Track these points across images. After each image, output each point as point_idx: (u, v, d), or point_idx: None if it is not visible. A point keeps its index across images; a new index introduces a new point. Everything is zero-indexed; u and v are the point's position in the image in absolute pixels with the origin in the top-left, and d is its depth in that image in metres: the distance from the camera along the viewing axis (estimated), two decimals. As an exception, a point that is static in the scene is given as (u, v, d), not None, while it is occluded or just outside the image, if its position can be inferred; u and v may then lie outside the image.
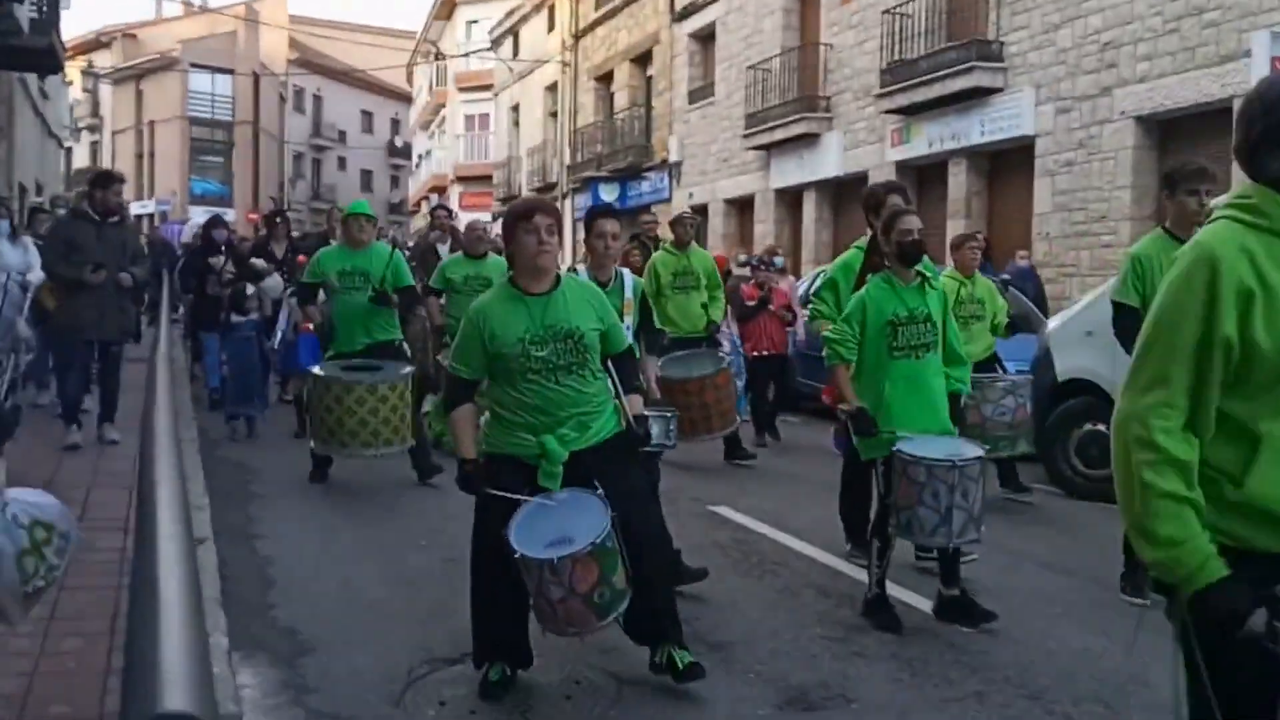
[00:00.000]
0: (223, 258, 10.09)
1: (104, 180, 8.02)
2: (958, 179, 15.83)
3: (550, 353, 3.93)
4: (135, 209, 42.01)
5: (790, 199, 20.65)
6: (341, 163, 64.45)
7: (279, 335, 9.49)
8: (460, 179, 44.94)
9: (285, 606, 5.23)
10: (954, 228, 15.76)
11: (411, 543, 6.42)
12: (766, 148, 20.47)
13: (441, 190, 48.22)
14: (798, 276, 15.10)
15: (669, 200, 24.78)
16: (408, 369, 7.42)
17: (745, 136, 20.78)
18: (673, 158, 24.43)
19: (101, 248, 7.85)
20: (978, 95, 15.07)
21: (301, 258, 9.68)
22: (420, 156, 55.49)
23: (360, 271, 7.43)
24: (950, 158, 15.95)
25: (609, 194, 27.43)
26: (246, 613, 5.09)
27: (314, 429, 7.29)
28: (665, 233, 10.20)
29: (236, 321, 9.18)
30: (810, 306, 6.98)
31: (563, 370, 3.96)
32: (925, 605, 5.29)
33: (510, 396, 4.01)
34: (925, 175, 16.89)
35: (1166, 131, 12.93)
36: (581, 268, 5.39)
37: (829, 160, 18.70)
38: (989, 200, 15.80)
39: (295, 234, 11.79)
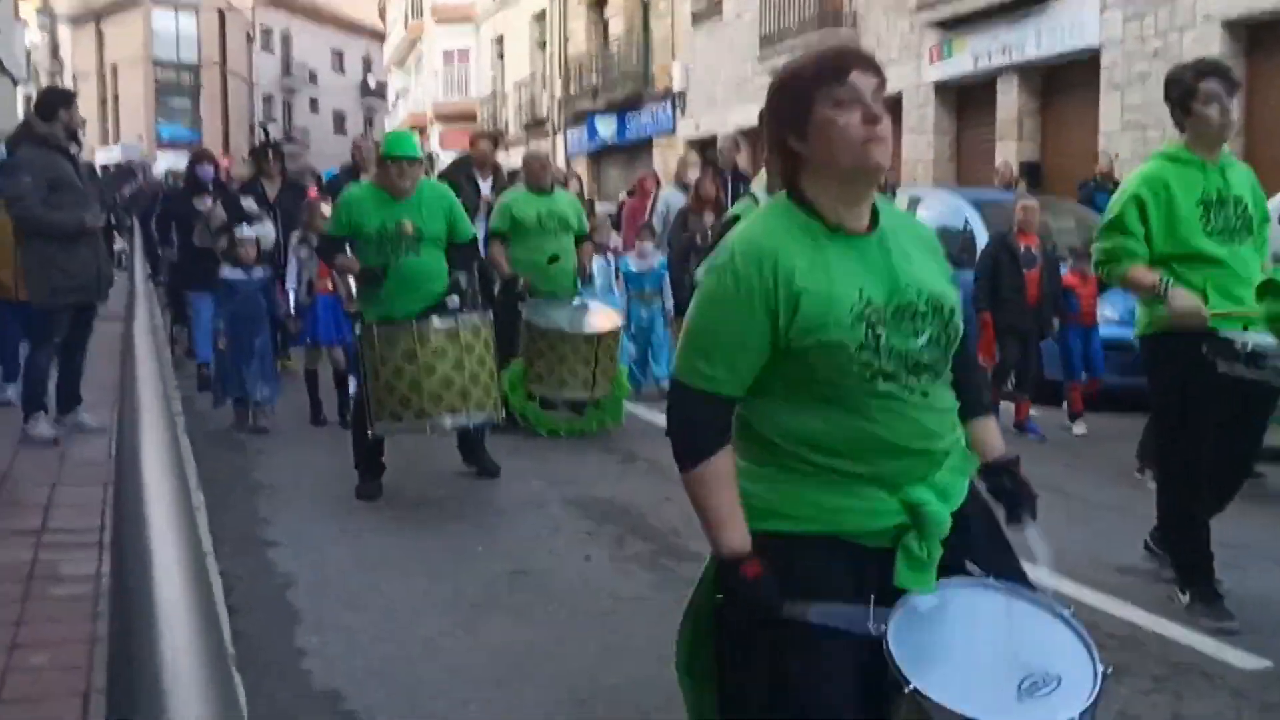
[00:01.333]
0: (211, 199, 8.53)
1: (65, 97, 6.46)
2: (1008, 98, 14.41)
3: (904, 338, 2.02)
4: (101, 157, 39.99)
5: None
6: (314, 104, 62.44)
7: (290, 298, 7.87)
8: (440, 118, 43.02)
9: (317, 655, 3.90)
10: (1003, 152, 14.41)
11: (463, 550, 5.08)
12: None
13: (421, 130, 46.29)
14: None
15: (673, 132, 23.26)
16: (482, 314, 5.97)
17: (760, 60, 19.22)
18: (676, 86, 22.83)
19: (83, 183, 6.47)
20: (1033, 2, 13.60)
21: (316, 198, 8.14)
22: (397, 95, 53.42)
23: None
24: (999, 75, 14.51)
25: (606, 128, 25.86)
26: (267, 669, 3.76)
27: (374, 408, 5.65)
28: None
29: (235, 279, 7.53)
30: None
31: (922, 371, 2.04)
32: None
33: (819, 425, 2.04)
34: (969, 96, 15.46)
35: (1255, 37, 11.55)
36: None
37: (855, 82, 17.22)
38: (1043, 121, 14.40)
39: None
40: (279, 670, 3.77)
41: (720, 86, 21.33)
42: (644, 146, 24.68)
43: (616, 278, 9.15)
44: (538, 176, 7.67)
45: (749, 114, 20.24)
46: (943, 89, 15.66)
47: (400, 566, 4.84)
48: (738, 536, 2.05)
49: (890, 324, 1.99)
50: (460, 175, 8.79)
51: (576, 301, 7.58)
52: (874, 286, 2.01)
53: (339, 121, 65.19)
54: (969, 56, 14.83)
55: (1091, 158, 13.22)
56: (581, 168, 28.23)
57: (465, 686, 3.66)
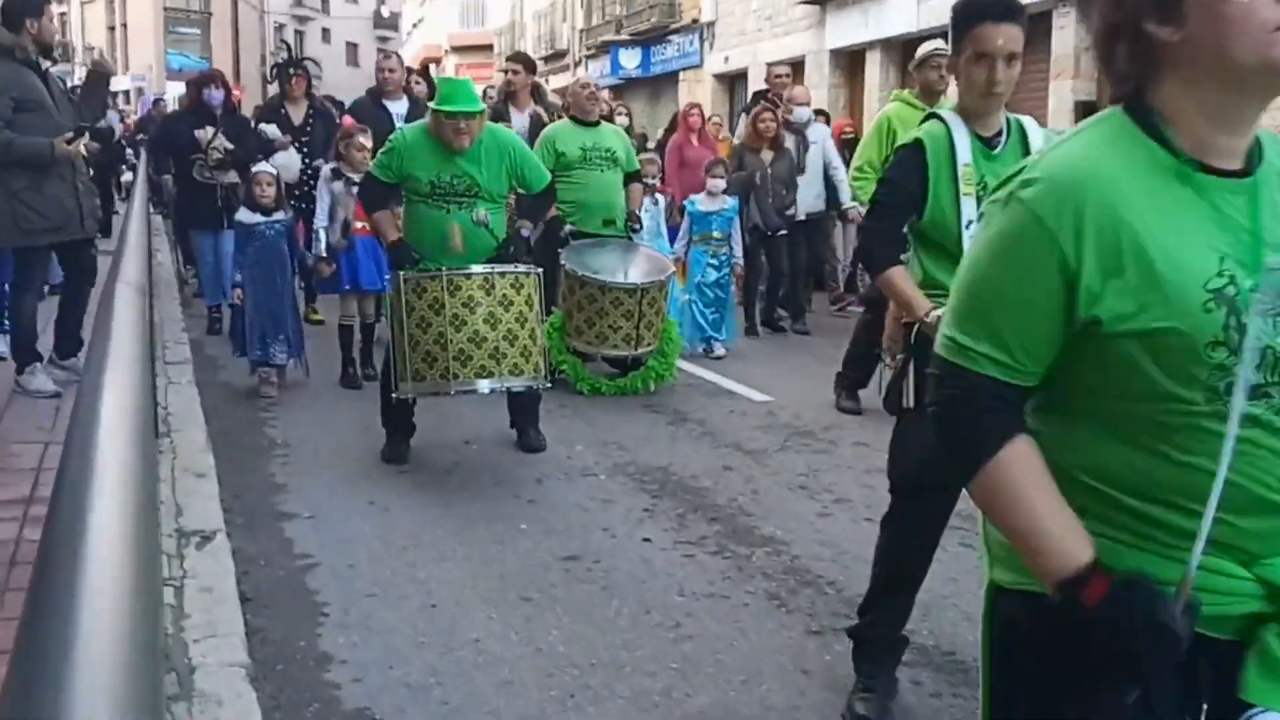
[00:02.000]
0: (213, 129, 7.78)
1: (33, 6, 5.56)
2: (1064, 33, 13.55)
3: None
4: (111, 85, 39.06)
5: (849, 61, 18.29)
6: (325, 34, 61.15)
7: (321, 238, 6.99)
8: (456, 49, 41.97)
9: (347, 662, 3.33)
10: (1058, 91, 13.59)
11: (505, 528, 4.49)
12: (821, 2, 18.03)
13: (436, 62, 45.19)
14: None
15: (700, 66, 22.37)
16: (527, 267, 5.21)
17: (797, -10, 18.33)
18: (705, 17, 21.88)
19: (57, 104, 5.68)
20: (1097, -71, 12.70)
21: (352, 126, 7.34)
22: (412, 25, 52.21)
23: (466, 180, 5.10)
24: (1056, 7, 13.63)
25: (630, 61, 24.94)
26: (287, 680, 3.20)
27: (398, 366, 5.04)
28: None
29: (252, 223, 6.71)
30: None
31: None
32: None
33: (1134, 459, 1.42)
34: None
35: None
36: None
37: (899, 15, 16.32)
38: (1101, 57, 13.52)
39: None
40: (301, 682, 3.20)
41: (752, 18, 20.39)
42: (669, 80, 23.79)
43: (669, 220, 8.42)
44: (584, 107, 6.99)
45: (783, 48, 19.35)
46: (993, 22, 14.77)
47: (436, 547, 4.26)
48: (1066, 549, 1.41)
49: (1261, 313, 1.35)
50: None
51: (622, 247, 6.94)
52: (1242, 253, 1.37)
53: (351, 53, 63.90)
54: (1024, -13, 13.94)
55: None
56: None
57: (523, 706, 3.09)
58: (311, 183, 8.05)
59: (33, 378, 5.67)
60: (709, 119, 10.92)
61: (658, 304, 6.73)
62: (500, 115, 8.18)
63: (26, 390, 5.73)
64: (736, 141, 8.96)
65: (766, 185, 8.46)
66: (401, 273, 4.93)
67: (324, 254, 7.01)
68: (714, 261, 8.12)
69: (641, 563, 4.14)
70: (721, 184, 8.31)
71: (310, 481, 5.05)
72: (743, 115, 9.99)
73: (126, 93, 42.71)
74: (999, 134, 3.07)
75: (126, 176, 16.31)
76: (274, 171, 6.92)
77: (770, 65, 9.51)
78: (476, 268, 4.93)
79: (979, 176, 3.00)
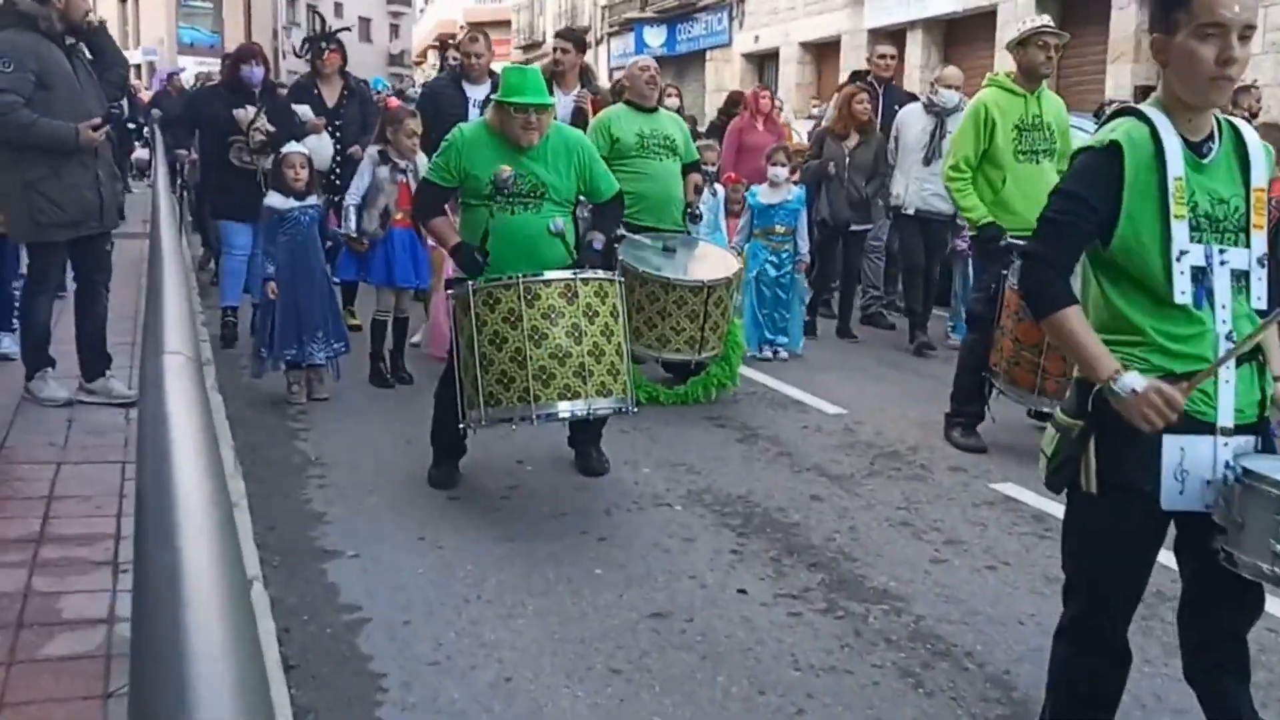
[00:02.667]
0: (254, 109, 7.02)
1: None
2: (1125, 13, 12.90)
3: None
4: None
5: (888, 42, 17.59)
6: (338, 9, 60.27)
7: (351, 217, 6.40)
8: (472, 25, 41.35)
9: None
10: (1116, 75, 12.96)
11: (577, 573, 3.93)
12: (859, -21, 17.40)
13: (451, 38, 44.56)
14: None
15: (728, 45, 21.73)
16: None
17: (834, -34, 17.69)
18: (735, -6, 21.25)
19: (82, 84, 5.08)
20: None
21: (398, 107, 6.78)
22: (426, 0, 51.48)
23: (531, 180, 4.56)
24: (1116, -14, 12.99)
25: (654, 39, 24.29)
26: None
27: (468, 390, 4.41)
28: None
29: (284, 209, 6.09)
30: None
31: None
32: None
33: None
34: (1075, 11, 13.92)
35: None
36: None
37: (944, -7, 15.69)
38: (1162, 39, 12.85)
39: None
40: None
41: (785, -4, 19.75)
42: (696, 59, 23.16)
43: (727, 214, 7.83)
44: (643, 91, 6.40)
45: (817, 27, 18.73)
46: (1045, 3, 14.12)
47: (502, 599, 3.71)
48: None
49: None
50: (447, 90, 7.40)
51: (682, 242, 6.37)
52: None
53: (364, 28, 63.10)
54: (1081, -36, 13.30)
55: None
56: (625, 82, 26.69)
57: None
58: (341, 170, 7.50)
59: (44, 384, 5.12)
60: (776, 102, 10.18)
61: (724, 304, 6.16)
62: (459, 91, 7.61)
63: (37, 398, 5.19)
64: (822, 124, 8.30)
65: (842, 176, 7.85)
66: (470, 283, 4.34)
67: (354, 233, 6.47)
68: (774, 259, 7.53)
69: (741, 622, 3.58)
70: (784, 172, 7.70)
71: (350, 510, 4.51)
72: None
73: (138, 67, 42.11)
74: (1209, 138, 2.43)
75: (140, 153, 15.75)
76: (306, 152, 6.34)
77: (875, 45, 8.81)
78: (555, 273, 4.34)
79: (1189, 193, 2.38)
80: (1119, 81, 12.92)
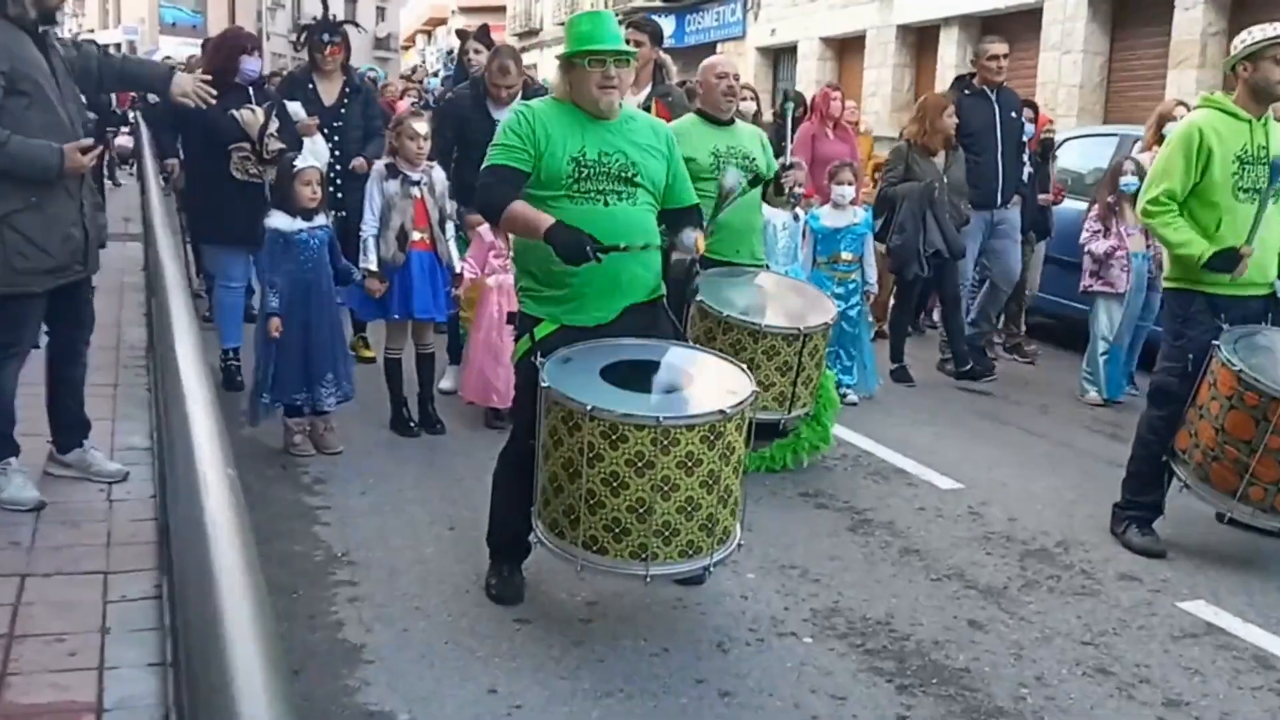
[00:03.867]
0: (262, 111, 5.80)
1: None
2: (1190, 14, 11.98)
3: None
4: (100, 40, 37.13)
5: (918, 38, 16.71)
6: (324, -9, 58.99)
7: (370, 250, 5.41)
8: (464, 10, 40.06)
9: None
10: (1179, 81, 12.05)
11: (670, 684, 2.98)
12: (889, -28, 16.43)
13: (441, 23, 43.32)
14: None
15: (742, 38, 20.73)
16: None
17: (862, -43, 16.72)
18: (750, -15, 20.23)
19: (62, 88, 3.91)
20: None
21: (406, 113, 5.69)
22: (415, -16, 50.23)
23: (620, 158, 3.61)
24: (1180, -15, 12.06)
25: (663, 29, 23.21)
26: None
27: (555, 510, 3.46)
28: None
29: (291, 231, 5.10)
30: None
31: None
32: None
33: None
34: (1131, 10, 12.99)
35: None
36: None
37: (984, -12, 14.74)
38: (1230, 45, 11.94)
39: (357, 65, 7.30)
40: None
41: (805, -13, 18.76)
42: (706, 52, 22.04)
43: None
44: (719, 104, 5.41)
45: (841, 21, 17.75)
46: (1098, 0, 13.20)
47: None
48: None
49: None
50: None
51: (764, 278, 5.41)
52: None
53: (350, 11, 61.60)
54: (1142, -39, 12.37)
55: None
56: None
57: None
58: (341, 180, 6.47)
59: (5, 481, 4.01)
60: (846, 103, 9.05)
61: (819, 354, 5.18)
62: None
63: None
64: (901, 140, 7.26)
65: (944, 199, 6.87)
66: (590, 406, 3.28)
67: (374, 268, 5.47)
68: (840, 290, 6.56)
69: None
70: (850, 192, 6.74)
71: (395, 641, 3.52)
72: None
73: (118, 46, 40.73)
74: None
75: (122, 141, 14.42)
76: (321, 167, 5.34)
77: (982, 44, 7.63)
78: (700, 408, 3.35)
79: None
80: (1182, 88, 11.99)
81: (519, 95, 6.30)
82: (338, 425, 5.44)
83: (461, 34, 7.85)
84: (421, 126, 5.49)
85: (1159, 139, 6.89)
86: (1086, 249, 6.85)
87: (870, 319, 7.03)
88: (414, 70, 26.75)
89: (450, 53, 34.90)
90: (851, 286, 6.56)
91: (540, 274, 3.68)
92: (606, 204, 3.60)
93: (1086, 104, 13.07)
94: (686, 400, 3.47)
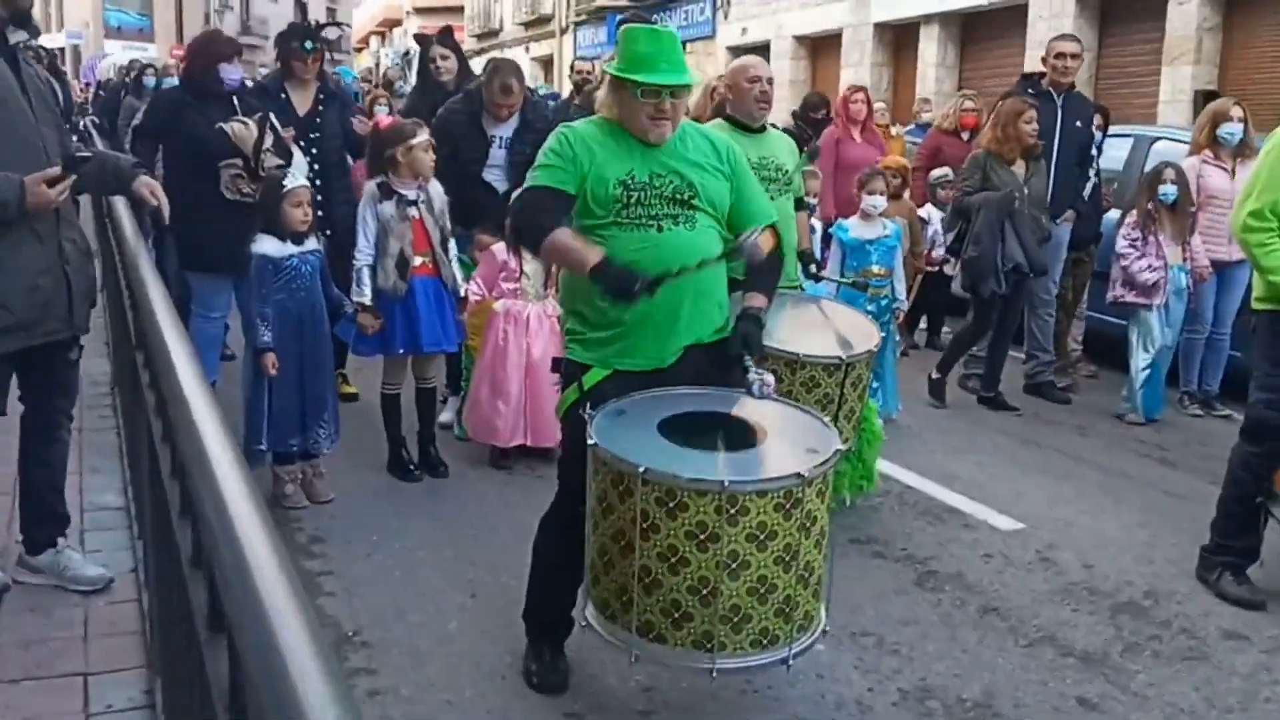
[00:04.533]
0: (255, 123, 5.10)
1: None
2: (1184, 8, 11.69)
3: None
4: (45, 44, 35.94)
5: (897, 37, 16.35)
6: (273, -10, 57.86)
7: (365, 281, 4.85)
8: (419, 10, 39.31)
9: None
10: (1173, 78, 11.76)
11: None
12: (867, -31, 16.06)
13: (396, 24, 42.51)
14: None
15: (712, 37, 20.29)
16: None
17: (838, -46, 16.33)
18: (720, -17, 19.79)
19: (34, 108, 3.26)
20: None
21: (390, 126, 5.11)
22: (368, -16, 49.26)
23: (674, 179, 3.13)
24: (1174, -21, 11.77)
25: (628, 29, 22.72)
26: None
27: (605, 590, 2.96)
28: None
29: (281, 256, 4.57)
30: None
31: None
32: None
33: None
34: (1121, 6, 12.69)
35: None
36: None
37: (967, -17, 14.39)
38: (1225, 40, 11.71)
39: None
40: None
41: (778, -15, 18.36)
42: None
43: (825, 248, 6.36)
44: (751, 110, 4.91)
45: (815, 19, 17.36)
46: (1086, -4, 12.90)
47: None
48: None
49: None
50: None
51: (799, 302, 4.93)
52: None
53: (302, 11, 60.53)
54: (1133, -45, 12.06)
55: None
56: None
57: None
58: (322, 198, 5.90)
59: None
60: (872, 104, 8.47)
61: (862, 384, 4.71)
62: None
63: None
64: (977, 149, 6.74)
65: (1024, 211, 6.36)
66: (643, 468, 2.77)
67: (368, 301, 4.92)
68: (872, 307, 6.10)
69: None
70: (882, 202, 6.29)
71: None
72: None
73: (61, 50, 39.47)
74: None
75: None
76: (308, 185, 4.80)
77: (1056, 40, 7.05)
78: (772, 471, 2.85)
79: None
80: (1177, 85, 11.72)
81: (519, 110, 5.81)
82: (326, 469, 4.92)
83: (422, 39, 7.25)
84: (422, 136, 4.96)
85: (1213, 140, 6.48)
86: (1123, 262, 6.44)
87: (897, 338, 6.60)
88: (369, 73, 26.07)
89: (407, 54, 34.01)
90: (884, 303, 6.11)
91: (590, 313, 3.18)
92: (661, 229, 3.12)
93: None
94: (758, 461, 2.97)
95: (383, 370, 5.17)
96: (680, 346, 3.18)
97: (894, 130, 9.91)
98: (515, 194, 3.31)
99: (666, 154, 3.13)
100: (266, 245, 4.59)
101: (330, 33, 6.18)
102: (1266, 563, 4.19)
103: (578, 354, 3.23)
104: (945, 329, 8.56)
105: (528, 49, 28.73)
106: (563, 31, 26.16)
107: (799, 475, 2.81)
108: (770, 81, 5.00)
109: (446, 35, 6.96)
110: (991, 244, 6.21)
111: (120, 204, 5.14)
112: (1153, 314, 6.40)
